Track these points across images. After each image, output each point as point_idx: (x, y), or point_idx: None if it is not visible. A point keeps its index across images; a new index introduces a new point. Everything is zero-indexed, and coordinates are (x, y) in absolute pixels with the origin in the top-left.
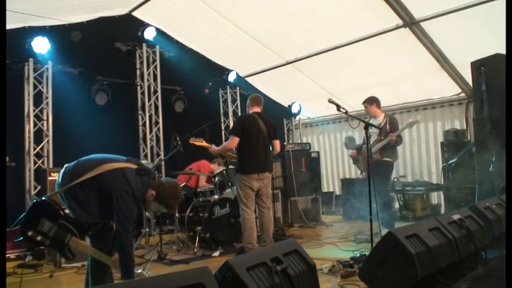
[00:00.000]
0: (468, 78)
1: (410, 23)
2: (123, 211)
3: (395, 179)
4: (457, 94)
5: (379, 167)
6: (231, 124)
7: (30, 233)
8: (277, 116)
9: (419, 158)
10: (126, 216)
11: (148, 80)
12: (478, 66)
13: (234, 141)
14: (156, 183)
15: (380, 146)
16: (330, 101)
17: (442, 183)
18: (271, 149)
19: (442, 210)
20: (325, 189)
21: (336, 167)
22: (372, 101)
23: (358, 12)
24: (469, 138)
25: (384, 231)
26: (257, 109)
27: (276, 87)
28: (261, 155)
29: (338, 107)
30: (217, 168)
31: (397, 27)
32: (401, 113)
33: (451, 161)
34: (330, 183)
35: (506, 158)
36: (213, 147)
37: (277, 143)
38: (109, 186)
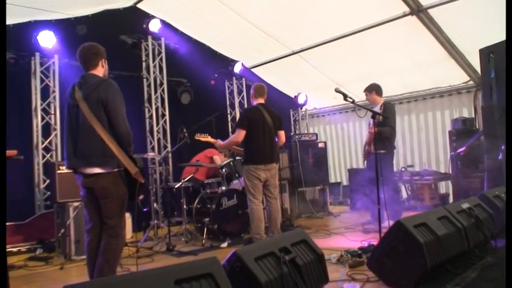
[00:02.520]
0: (476, 65)
1: (417, 10)
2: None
3: (402, 169)
4: (465, 82)
5: (373, 159)
6: (237, 115)
7: (141, 197)
8: (283, 107)
9: (427, 147)
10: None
11: (154, 73)
12: (486, 53)
13: (240, 134)
14: (91, 65)
15: (368, 138)
16: (337, 91)
17: (450, 172)
18: (277, 139)
19: (451, 200)
20: (332, 179)
21: (343, 157)
22: (371, 89)
23: (365, 0)
24: (477, 127)
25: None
26: (261, 100)
27: (281, 78)
28: (267, 146)
29: (345, 96)
30: (222, 158)
31: (404, 15)
32: (409, 102)
33: (459, 150)
34: (337, 173)
35: (506, 152)
36: (219, 142)
37: (282, 133)
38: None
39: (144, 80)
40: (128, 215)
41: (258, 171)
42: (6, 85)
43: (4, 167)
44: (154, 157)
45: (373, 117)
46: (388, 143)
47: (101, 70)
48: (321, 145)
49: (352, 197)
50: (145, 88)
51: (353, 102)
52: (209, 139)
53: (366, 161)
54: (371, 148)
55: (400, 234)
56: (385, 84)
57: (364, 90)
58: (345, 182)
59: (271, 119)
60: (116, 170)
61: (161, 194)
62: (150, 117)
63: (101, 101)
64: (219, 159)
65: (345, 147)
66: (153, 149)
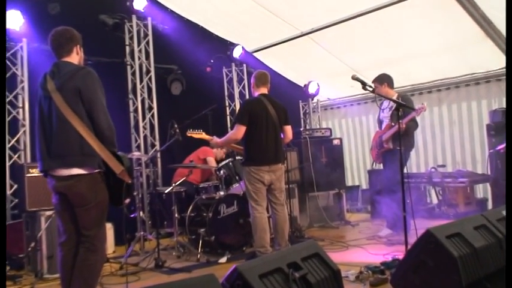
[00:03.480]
0: None
1: None
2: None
3: (432, 169)
4: (505, 67)
5: (391, 156)
6: (237, 108)
7: (127, 201)
8: (291, 98)
9: (461, 144)
10: None
11: (139, 58)
12: None
13: (240, 131)
14: (64, 52)
15: (388, 135)
16: (354, 78)
17: (489, 173)
18: (282, 136)
19: (490, 206)
20: (349, 182)
21: (362, 156)
22: (382, 80)
23: None
24: None
25: (386, 232)
26: (264, 90)
27: (289, 64)
28: (271, 144)
29: (364, 84)
30: (221, 153)
31: None
32: (439, 90)
33: (499, 147)
34: (355, 175)
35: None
36: (215, 139)
37: (288, 129)
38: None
39: (128, 68)
40: (109, 226)
41: (260, 173)
42: (5, 86)
43: (4, 167)
44: (140, 157)
45: (397, 109)
46: (409, 140)
47: (75, 57)
48: (335, 142)
49: (373, 203)
50: (130, 77)
51: (373, 91)
52: (203, 136)
53: (382, 160)
54: (390, 145)
55: (429, 247)
56: (411, 70)
57: (374, 81)
58: (364, 186)
59: (275, 112)
60: (96, 171)
61: (148, 201)
62: (135, 110)
63: (78, 92)
64: (214, 161)
65: (364, 145)
66: (138, 147)
